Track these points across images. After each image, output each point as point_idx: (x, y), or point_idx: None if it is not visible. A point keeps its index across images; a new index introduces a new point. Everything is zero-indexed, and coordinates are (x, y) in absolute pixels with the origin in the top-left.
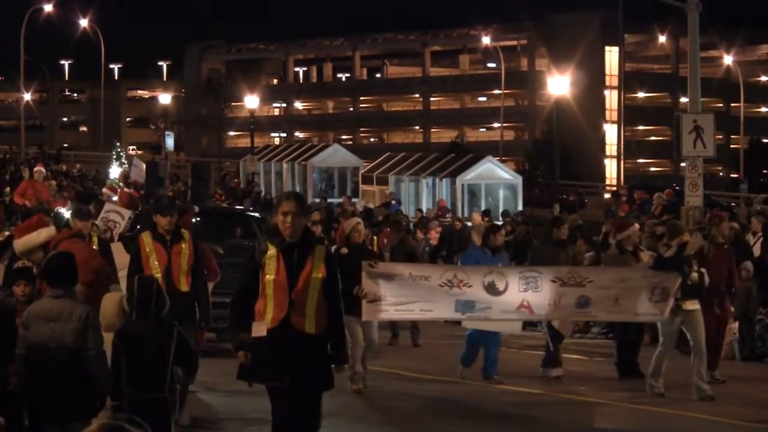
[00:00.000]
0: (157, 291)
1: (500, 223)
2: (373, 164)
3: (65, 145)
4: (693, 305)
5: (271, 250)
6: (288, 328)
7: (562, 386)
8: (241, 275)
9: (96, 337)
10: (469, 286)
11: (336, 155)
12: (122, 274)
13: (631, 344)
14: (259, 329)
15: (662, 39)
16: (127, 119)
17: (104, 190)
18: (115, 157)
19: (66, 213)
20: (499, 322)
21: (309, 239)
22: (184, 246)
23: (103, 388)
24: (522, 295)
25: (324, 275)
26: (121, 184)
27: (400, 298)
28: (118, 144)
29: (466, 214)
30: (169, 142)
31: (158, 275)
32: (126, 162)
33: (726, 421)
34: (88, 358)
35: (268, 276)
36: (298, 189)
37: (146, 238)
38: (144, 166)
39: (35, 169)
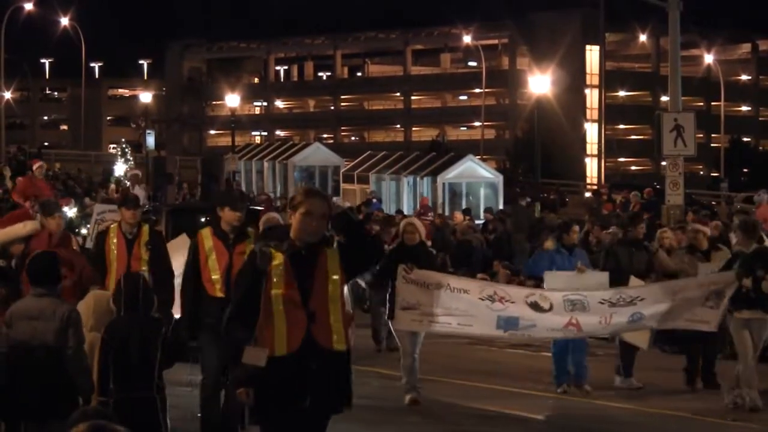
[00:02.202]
0: (144, 287)
1: (482, 221)
2: (353, 163)
3: (46, 144)
4: (754, 314)
5: (278, 258)
6: (313, 348)
7: (644, 398)
8: (238, 287)
9: (76, 337)
10: (512, 302)
11: (317, 154)
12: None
13: (708, 350)
14: (255, 356)
15: (643, 38)
16: (108, 118)
17: (111, 186)
18: (120, 154)
19: (69, 212)
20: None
21: (322, 242)
22: (248, 247)
23: (82, 388)
24: (570, 313)
25: (341, 277)
26: (127, 182)
27: (437, 309)
28: (123, 140)
29: (447, 213)
30: (150, 140)
31: (216, 277)
32: (131, 160)
33: None
34: (66, 357)
35: (275, 290)
36: (278, 188)
37: (206, 234)
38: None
39: (36, 166)
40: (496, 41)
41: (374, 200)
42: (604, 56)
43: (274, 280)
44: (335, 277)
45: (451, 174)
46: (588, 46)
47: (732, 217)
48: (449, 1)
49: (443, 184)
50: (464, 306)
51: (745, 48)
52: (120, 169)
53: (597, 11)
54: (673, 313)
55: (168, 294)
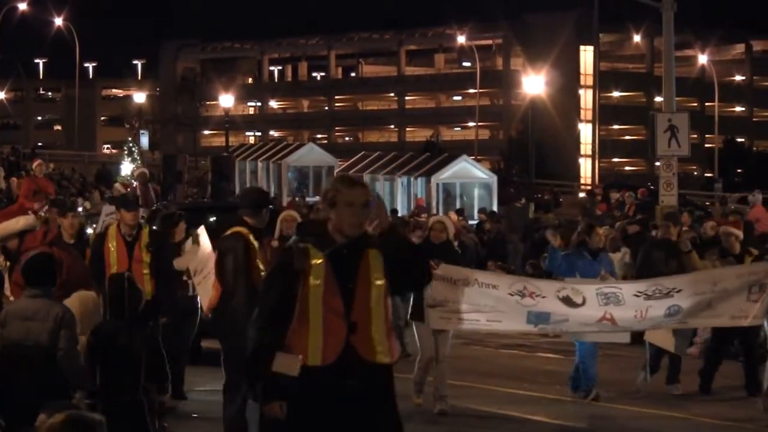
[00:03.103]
0: (130, 288)
1: (476, 221)
2: (348, 163)
3: (39, 144)
4: None
5: (316, 257)
6: (352, 362)
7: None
8: (269, 291)
9: (68, 338)
10: (543, 297)
11: (311, 154)
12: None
13: (751, 355)
14: (287, 364)
15: (637, 38)
16: (102, 118)
17: (116, 186)
18: (126, 152)
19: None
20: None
21: (361, 239)
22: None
23: (75, 388)
24: (604, 308)
25: (385, 283)
26: (134, 182)
27: (465, 305)
28: (130, 139)
29: (441, 213)
30: (144, 140)
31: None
32: (138, 158)
33: None
34: (58, 358)
35: (313, 293)
36: (272, 188)
37: (248, 232)
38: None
39: (36, 164)
40: (490, 42)
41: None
42: (598, 57)
43: (312, 281)
44: (379, 282)
45: (445, 174)
46: (582, 47)
47: (726, 217)
48: (443, 2)
49: (437, 184)
50: (493, 302)
51: (739, 48)
52: (126, 168)
53: (591, 12)
54: (714, 309)
55: (169, 297)
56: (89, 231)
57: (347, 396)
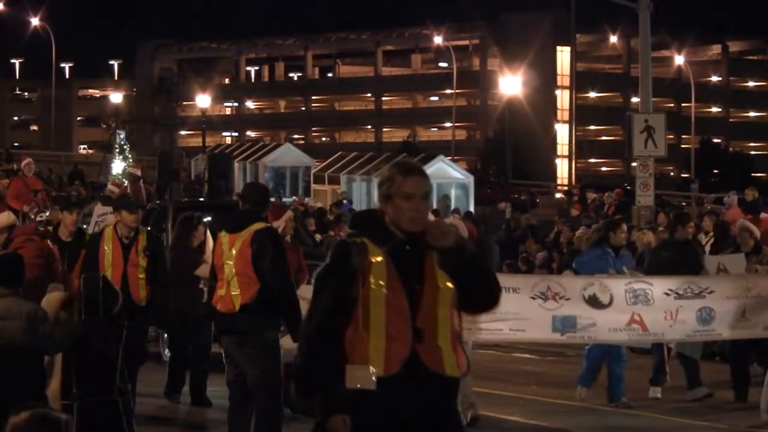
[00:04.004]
0: (105, 288)
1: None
2: (325, 164)
3: (16, 144)
4: None
5: (376, 254)
6: (417, 373)
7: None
8: (322, 293)
9: (46, 328)
10: (567, 299)
11: (288, 154)
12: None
13: None
14: (362, 377)
15: (614, 39)
16: (79, 118)
17: (109, 186)
18: (118, 150)
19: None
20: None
21: (421, 235)
22: None
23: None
24: (631, 308)
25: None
26: (125, 181)
27: (486, 314)
28: (121, 135)
29: None
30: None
31: None
32: (130, 156)
33: None
34: (46, 349)
35: (374, 295)
36: None
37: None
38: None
39: (24, 163)
40: (467, 42)
41: (345, 201)
42: (574, 57)
43: (373, 281)
44: (448, 284)
45: None
46: (559, 47)
47: (702, 218)
48: (420, 2)
49: None
50: (515, 308)
51: (716, 49)
52: (118, 167)
53: (568, 12)
54: (747, 319)
55: (164, 304)
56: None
57: (411, 410)
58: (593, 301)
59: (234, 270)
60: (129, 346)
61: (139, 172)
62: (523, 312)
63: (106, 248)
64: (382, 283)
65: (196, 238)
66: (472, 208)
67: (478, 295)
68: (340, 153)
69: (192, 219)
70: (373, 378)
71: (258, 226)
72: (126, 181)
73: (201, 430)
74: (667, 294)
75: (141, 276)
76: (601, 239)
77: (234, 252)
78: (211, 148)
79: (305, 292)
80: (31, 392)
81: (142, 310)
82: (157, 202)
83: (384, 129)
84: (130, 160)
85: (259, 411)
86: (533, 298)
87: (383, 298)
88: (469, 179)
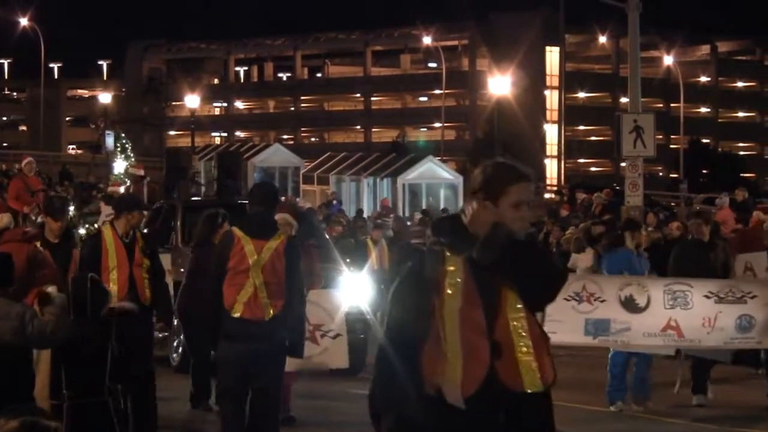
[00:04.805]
0: (93, 289)
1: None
2: (314, 164)
3: (5, 144)
4: None
5: (453, 262)
6: (497, 392)
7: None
8: (396, 306)
9: (36, 326)
10: (602, 301)
11: (277, 155)
12: None
13: None
14: (453, 392)
15: (603, 39)
16: (67, 118)
17: (111, 187)
18: (120, 149)
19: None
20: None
21: None
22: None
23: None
24: (668, 312)
25: None
26: (127, 180)
27: None
28: (123, 135)
29: (407, 214)
30: (109, 141)
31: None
32: (132, 155)
33: None
34: (38, 346)
35: (449, 307)
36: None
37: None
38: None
39: (25, 162)
40: (456, 42)
41: (335, 201)
42: (563, 57)
43: (449, 292)
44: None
45: (411, 175)
46: (548, 48)
47: (691, 218)
48: (409, 2)
49: (403, 185)
50: (547, 309)
51: (705, 50)
52: (120, 166)
53: (557, 13)
54: None
55: (169, 302)
56: (81, 231)
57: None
58: (629, 303)
59: (263, 278)
60: (137, 351)
61: (141, 172)
62: (555, 314)
63: (109, 248)
64: (457, 293)
65: (220, 236)
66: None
67: (527, 288)
68: (329, 153)
69: (217, 217)
70: (459, 396)
71: (285, 235)
72: (128, 181)
73: None
74: (707, 297)
75: (146, 276)
76: (617, 239)
77: (263, 259)
78: (200, 149)
79: (317, 297)
80: (21, 393)
81: (148, 311)
82: (161, 202)
83: (373, 129)
84: (132, 160)
85: (258, 415)
86: (567, 300)
87: (458, 309)
88: (459, 179)
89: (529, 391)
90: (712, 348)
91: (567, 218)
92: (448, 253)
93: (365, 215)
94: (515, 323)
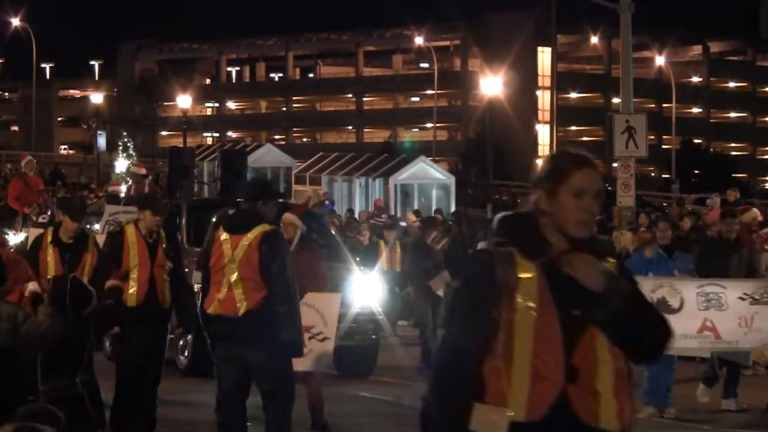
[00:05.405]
0: (73, 288)
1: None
2: (306, 164)
3: None
4: None
5: (525, 268)
6: (566, 422)
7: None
8: (456, 314)
9: (27, 326)
10: None
11: (269, 155)
12: None
13: None
14: (490, 422)
15: (595, 40)
16: (59, 118)
17: (112, 186)
18: (121, 148)
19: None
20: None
21: (589, 243)
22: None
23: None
24: (703, 314)
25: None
26: (128, 180)
27: None
28: (125, 134)
29: (399, 214)
30: (101, 141)
31: None
32: (133, 154)
33: None
34: (33, 347)
35: (520, 318)
36: None
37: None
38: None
39: (25, 161)
40: (448, 42)
41: (327, 202)
42: (555, 58)
43: (521, 302)
44: None
45: (403, 175)
46: (540, 48)
47: (683, 218)
48: (401, 3)
49: (395, 185)
50: None
51: (697, 50)
52: (121, 165)
53: (549, 13)
54: None
55: (189, 306)
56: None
57: None
58: (662, 305)
59: (240, 274)
60: (150, 352)
61: (143, 171)
62: None
63: (130, 248)
64: (531, 305)
65: None
66: (453, 209)
67: (635, 347)
68: (321, 153)
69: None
70: (505, 426)
71: (264, 228)
72: (130, 180)
73: None
74: (742, 299)
75: (167, 278)
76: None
77: (238, 255)
78: (192, 149)
79: (314, 299)
80: (18, 395)
81: (166, 313)
82: (165, 201)
83: (365, 129)
84: (134, 159)
85: (269, 421)
86: None
87: (531, 324)
88: (451, 180)
89: (603, 428)
90: (749, 349)
91: None
92: (519, 257)
93: (356, 215)
94: (598, 350)
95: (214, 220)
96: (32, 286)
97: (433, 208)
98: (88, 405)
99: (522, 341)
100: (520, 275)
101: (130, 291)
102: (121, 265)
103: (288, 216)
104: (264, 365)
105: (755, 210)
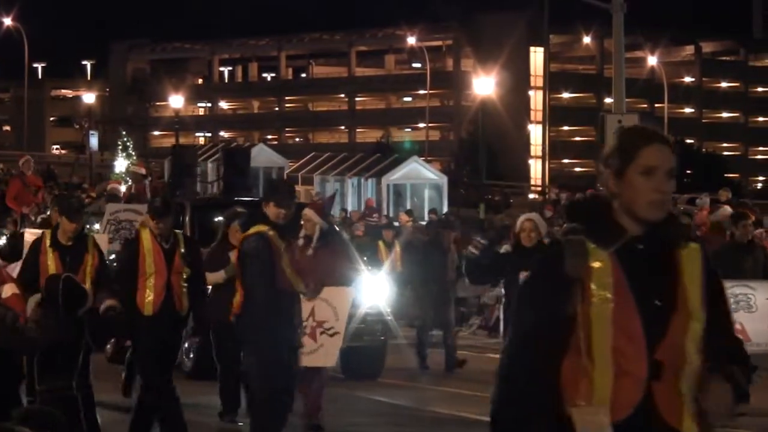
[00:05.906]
0: (66, 288)
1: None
2: (298, 164)
3: None
4: None
5: (598, 256)
6: (648, 423)
7: None
8: (525, 311)
9: (18, 331)
10: None
11: (261, 155)
12: None
13: None
14: (595, 423)
15: (587, 40)
16: (51, 118)
17: (111, 185)
18: (121, 148)
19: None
20: None
21: (665, 226)
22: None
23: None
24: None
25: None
26: (128, 179)
27: None
28: (124, 133)
29: (391, 214)
30: (93, 141)
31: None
32: (133, 154)
33: None
34: (22, 350)
35: (597, 312)
36: None
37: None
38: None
39: (23, 161)
40: (440, 42)
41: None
42: (548, 58)
43: (597, 293)
44: (696, 297)
45: (396, 175)
46: (532, 48)
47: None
48: (393, 3)
49: (388, 185)
50: None
51: (689, 50)
52: (121, 165)
53: (541, 13)
54: None
55: (205, 312)
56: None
57: None
58: None
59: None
60: (163, 358)
61: (143, 170)
62: None
63: (146, 253)
64: (607, 296)
65: (233, 235)
66: (445, 209)
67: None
68: (313, 153)
69: (237, 215)
70: (607, 426)
71: (252, 230)
72: (129, 180)
73: None
74: None
75: (184, 285)
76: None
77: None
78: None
79: (329, 294)
80: (10, 396)
81: (183, 321)
82: (176, 198)
83: (358, 129)
84: (134, 159)
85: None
86: None
87: (609, 316)
88: (443, 180)
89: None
90: None
91: (551, 219)
92: (591, 245)
93: (348, 215)
94: (686, 346)
95: (227, 222)
96: (9, 288)
97: (426, 208)
98: (81, 409)
99: (601, 335)
100: (592, 264)
101: (147, 299)
102: (137, 272)
103: (307, 212)
104: (250, 371)
105: (727, 207)
